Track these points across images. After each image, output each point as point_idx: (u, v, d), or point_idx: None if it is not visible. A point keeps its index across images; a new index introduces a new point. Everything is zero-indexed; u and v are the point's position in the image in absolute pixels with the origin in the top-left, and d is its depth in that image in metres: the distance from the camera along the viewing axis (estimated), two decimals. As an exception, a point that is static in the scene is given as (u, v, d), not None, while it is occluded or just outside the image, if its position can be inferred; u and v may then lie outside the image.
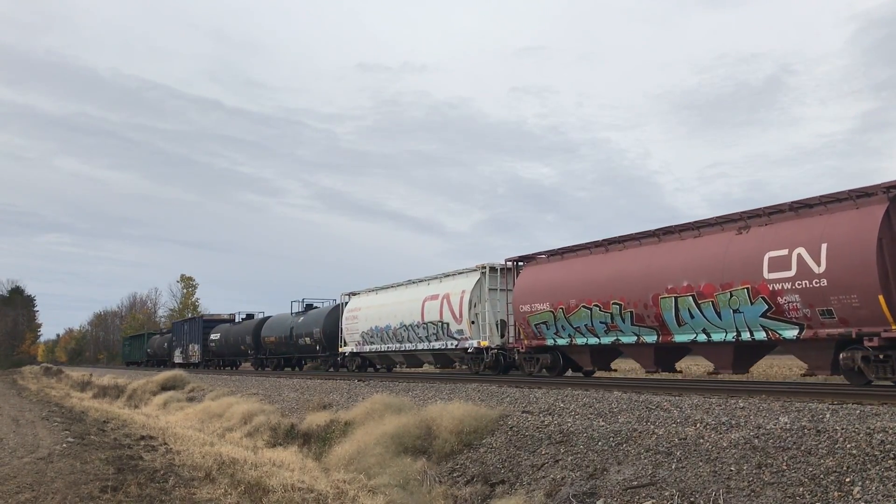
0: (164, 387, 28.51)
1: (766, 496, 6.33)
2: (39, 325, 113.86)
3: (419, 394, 14.84)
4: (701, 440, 7.80)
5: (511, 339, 19.88)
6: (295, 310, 35.27)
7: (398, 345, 24.76)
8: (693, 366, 25.13)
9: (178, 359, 50.67)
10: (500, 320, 20.73)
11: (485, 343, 20.56)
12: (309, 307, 34.21)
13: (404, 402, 13.32)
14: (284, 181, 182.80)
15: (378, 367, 28.64)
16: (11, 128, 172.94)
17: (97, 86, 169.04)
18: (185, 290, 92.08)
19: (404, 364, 25.99)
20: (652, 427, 8.74)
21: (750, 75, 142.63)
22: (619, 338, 15.87)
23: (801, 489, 6.21)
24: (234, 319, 44.19)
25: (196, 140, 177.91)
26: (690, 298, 13.96)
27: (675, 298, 14.29)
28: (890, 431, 6.60)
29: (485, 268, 21.18)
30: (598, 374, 19.81)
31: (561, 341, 17.59)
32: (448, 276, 23.12)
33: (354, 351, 27.78)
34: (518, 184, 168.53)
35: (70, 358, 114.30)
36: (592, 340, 16.61)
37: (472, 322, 21.00)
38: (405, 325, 24.05)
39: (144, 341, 64.87)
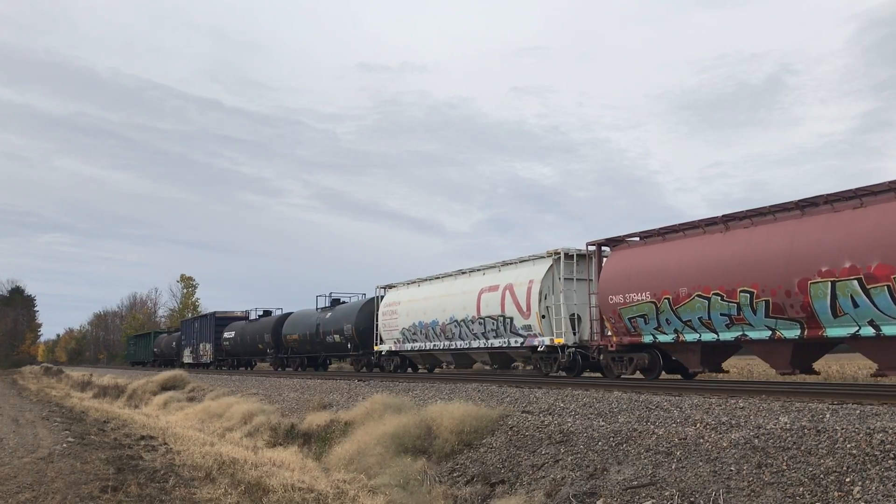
0: (165, 387, 28.51)
1: (766, 496, 6.33)
2: (39, 325, 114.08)
3: (419, 394, 14.84)
4: (701, 440, 7.80)
5: (592, 336, 17.40)
6: (320, 304, 32.83)
7: (446, 342, 22.21)
8: (841, 365, 22.88)
9: (187, 359, 48.86)
10: (573, 314, 18.35)
11: (559, 340, 18.07)
12: (336, 302, 32.04)
13: (404, 401, 13.33)
14: (284, 181, 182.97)
15: (420, 367, 25.82)
16: (11, 128, 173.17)
17: (97, 86, 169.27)
18: (185, 290, 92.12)
19: (452, 364, 23.50)
20: (652, 427, 8.75)
21: (750, 75, 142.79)
22: (746, 332, 13.40)
23: (801, 489, 6.21)
24: (249, 317, 42.31)
25: (196, 140, 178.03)
26: (855, 283, 11.59)
27: (833, 283, 11.88)
28: (890, 431, 6.60)
29: (558, 254, 18.70)
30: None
31: (664, 338, 15.01)
32: (509, 264, 20.57)
33: (392, 349, 25.26)
34: (518, 184, 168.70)
35: (70, 358, 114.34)
36: (707, 336, 14.11)
37: (543, 316, 18.49)
38: (456, 321, 21.53)
39: (151, 340, 62.90)
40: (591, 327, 17.67)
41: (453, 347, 22.03)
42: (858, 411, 7.87)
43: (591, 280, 17.60)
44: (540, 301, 18.62)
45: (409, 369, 26.26)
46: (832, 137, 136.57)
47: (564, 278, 18.45)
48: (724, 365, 15.64)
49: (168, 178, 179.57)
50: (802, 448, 6.84)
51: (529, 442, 9.70)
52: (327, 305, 32.27)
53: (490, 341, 20.39)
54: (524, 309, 19.02)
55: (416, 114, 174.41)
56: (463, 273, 22.68)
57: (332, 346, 30.10)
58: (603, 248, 17.52)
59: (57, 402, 23.98)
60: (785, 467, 6.63)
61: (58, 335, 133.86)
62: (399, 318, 24.64)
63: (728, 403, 9.37)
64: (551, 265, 18.76)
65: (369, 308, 27.61)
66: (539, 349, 18.72)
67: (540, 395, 12.40)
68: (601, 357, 16.82)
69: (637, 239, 16.50)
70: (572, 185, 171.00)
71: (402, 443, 10.79)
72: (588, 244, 17.87)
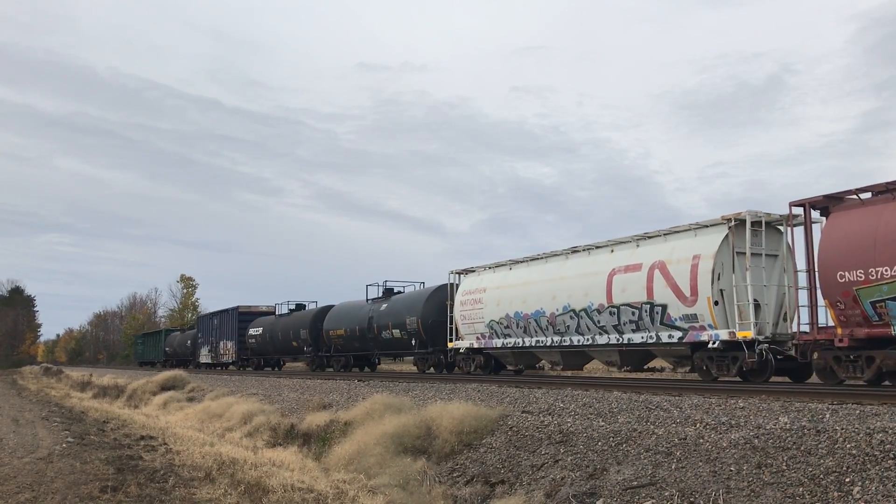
0: (164, 387, 28.50)
1: (766, 496, 6.33)
2: (39, 325, 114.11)
3: (419, 394, 14.84)
4: (701, 440, 7.80)
5: (789, 328, 14.05)
6: (372, 295, 28.21)
7: (556, 338, 18.06)
8: None
9: (204, 358, 45.27)
10: (755, 300, 14.37)
11: (744, 334, 13.98)
12: (389, 292, 27.59)
13: (404, 402, 13.33)
14: (284, 181, 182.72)
15: (510, 367, 21.41)
16: (11, 127, 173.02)
17: (96, 85, 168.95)
18: (185, 290, 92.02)
19: (559, 365, 19.35)
20: (652, 427, 8.75)
21: (751, 75, 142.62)
22: None
23: (800, 489, 6.21)
24: (275, 311, 38.78)
25: (196, 140, 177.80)
26: None
27: None
28: (890, 431, 6.60)
29: (738, 219, 14.57)
30: (599, 374, 19.36)
31: None
32: (653, 237, 16.35)
33: (475, 346, 21.10)
34: (518, 184, 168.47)
35: (70, 358, 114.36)
36: None
37: (716, 303, 14.51)
38: (572, 311, 17.43)
39: (162, 339, 58.90)
40: (786, 317, 14.48)
41: (566, 344, 17.80)
42: (858, 411, 7.87)
43: (784, 254, 14.63)
44: (713, 282, 14.45)
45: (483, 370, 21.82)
46: (833, 137, 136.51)
47: (752, 253, 14.43)
48: None
49: (168, 177, 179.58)
50: (802, 448, 6.84)
51: (529, 442, 9.70)
52: (380, 296, 27.71)
53: (626, 336, 16.20)
54: (686, 293, 14.92)
55: (416, 114, 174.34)
56: (577, 252, 18.35)
57: (390, 343, 25.81)
58: (813, 208, 13.30)
59: (57, 402, 23.97)
60: (785, 467, 6.63)
61: (58, 335, 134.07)
62: (485, 308, 20.54)
63: (728, 403, 9.37)
64: (726, 235, 14.66)
65: (439, 297, 23.36)
66: (711, 345, 14.57)
67: (540, 395, 12.40)
68: (815, 357, 12.75)
69: (870, 195, 12.55)
70: (572, 184, 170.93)
71: (401, 443, 10.79)
72: (792, 204, 13.75)
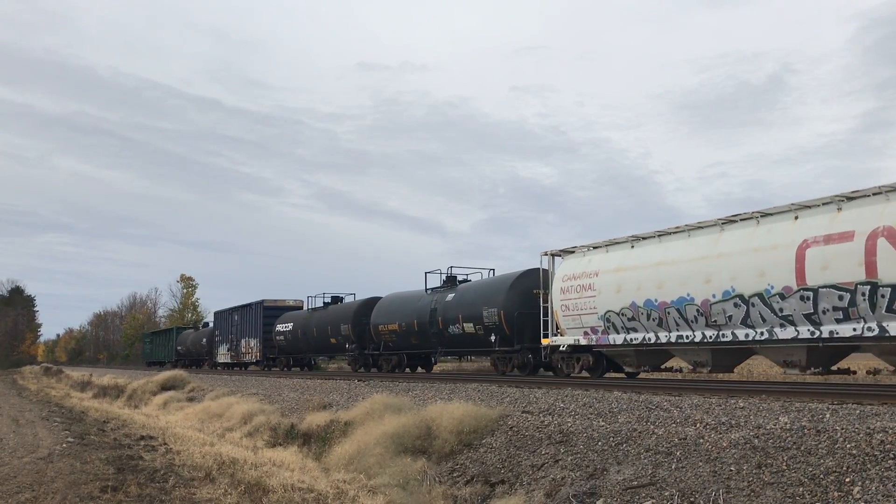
0: (164, 387, 28.50)
1: (766, 496, 6.33)
2: (39, 325, 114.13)
3: (419, 394, 14.84)
4: (701, 440, 7.81)
5: None
6: (431, 284, 24.52)
7: (710, 332, 14.19)
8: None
9: (223, 357, 42.07)
10: None
11: None
12: (452, 280, 24.15)
13: (404, 402, 13.33)
14: (284, 181, 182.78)
15: (632, 368, 17.44)
16: (10, 127, 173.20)
17: (96, 85, 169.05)
18: (185, 290, 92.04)
19: (706, 366, 14.79)
20: (652, 427, 8.75)
21: (751, 75, 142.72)
22: None
23: (800, 489, 6.21)
24: (303, 306, 35.76)
25: (196, 139, 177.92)
26: None
27: None
28: (890, 431, 6.60)
29: None
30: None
31: None
32: (864, 195, 12.30)
33: (582, 343, 17.25)
34: (518, 184, 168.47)
35: (70, 358, 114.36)
36: None
37: None
38: (740, 297, 13.61)
39: (173, 338, 55.18)
40: None
41: (726, 340, 13.94)
42: (858, 411, 7.87)
43: None
44: None
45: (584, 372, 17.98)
46: (833, 137, 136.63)
47: None
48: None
49: (167, 177, 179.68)
50: (802, 448, 6.84)
51: (529, 442, 9.70)
52: (442, 285, 24.15)
53: (826, 328, 12.42)
54: None
55: (416, 113, 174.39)
56: (737, 221, 14.28)
57: (459, 339, 22.01)
58: None
59: (57, 402, 23.98)
60: (785, 467, 6.63)
61: (58, 335, 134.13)
62: (599, 295, 16.71)
63: (728, 403, 9.37)
64: None
65: (526, 285, 19.89)
66: None
67: (540, 395, 12.40)
68: None
69: None
70: (573, 184, 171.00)
71: (401, 443, 10.79)
72: None
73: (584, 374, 17.77)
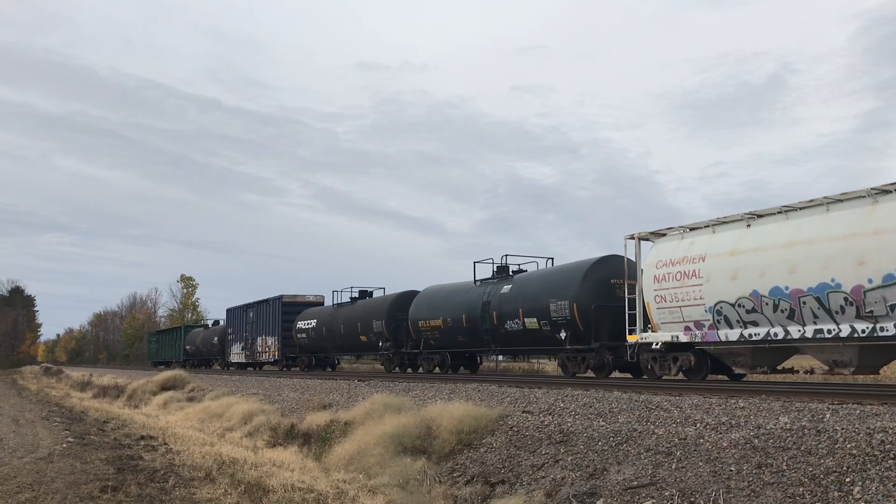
0: (164, 387, 28.48)
1: (766, 496, 6.33)
2: (39, 325, 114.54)
3: (419, 394, 14.84)
4: (701, 440, 7.81)
5: None
6: (481, 275, 21.97)
7: (863, 325, 11.89)
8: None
9: (236, 357, 40.05)
10: None
11: None
12: (503, 271, 21.42)
13: (404, 402, 13.33)
14: (284, 181, 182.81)
15: (744, 369, 14.82)
16: (10, 127, 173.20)
17: (96, 85, 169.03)
18: (185, 290, 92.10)
19: (849, 366, 12.54)
20: (652, 427, 8.75)
21: (751, 74, 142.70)
22: None
23: (801, 489, 6.21)
24: (323, 302, 34.08)
25: (195, 139, 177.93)
26: None
27: None
28: (890, 431, 6.60)
29: None
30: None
31: None
32: None
33: (682, 340, 14.84)
34: (519, 183, 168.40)
35: (70, 358, 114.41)
36: None
37: None
38: None
39: (181, 337, 53.07)
40: None
41: (885, 334, 11.63)
42: (858, 411, 7.87)
43: None
44: None
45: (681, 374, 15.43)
46: (833, 137, 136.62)
47: None
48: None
49: (167, 177, 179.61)
50: (802, 448, 6.84)
51: (529, 442, 9.71)
52: (494, 276, 21.56)
53: None
54: None
55: (417, 113, 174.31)
56: (888, 191, 12.10)
57: (518, 336, 19.63)
58: None
59: (57, 402, 23.99)
60: (785, 467, 6.63)
61: (58, 335, 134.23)
62: (707, 283, 14.28)
63: (728, 403, 9.37)
64: None
65: (605, 272, 17.72)
66: None
67: (540, 395, 12.40)
68: None
69: None
70: (573, 184, 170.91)
71: (401, 443, 10.79)
72: None
73: (682, 376, 15.33)
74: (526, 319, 19.06)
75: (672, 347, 15.18)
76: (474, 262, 22.14)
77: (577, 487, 7.85)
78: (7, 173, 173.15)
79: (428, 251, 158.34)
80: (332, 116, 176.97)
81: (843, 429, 6.99)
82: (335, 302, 30.98)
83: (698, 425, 8.35)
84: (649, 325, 15.76)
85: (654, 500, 7.05)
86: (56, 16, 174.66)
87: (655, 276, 15.44)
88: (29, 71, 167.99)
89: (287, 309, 34.46)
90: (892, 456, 6.18)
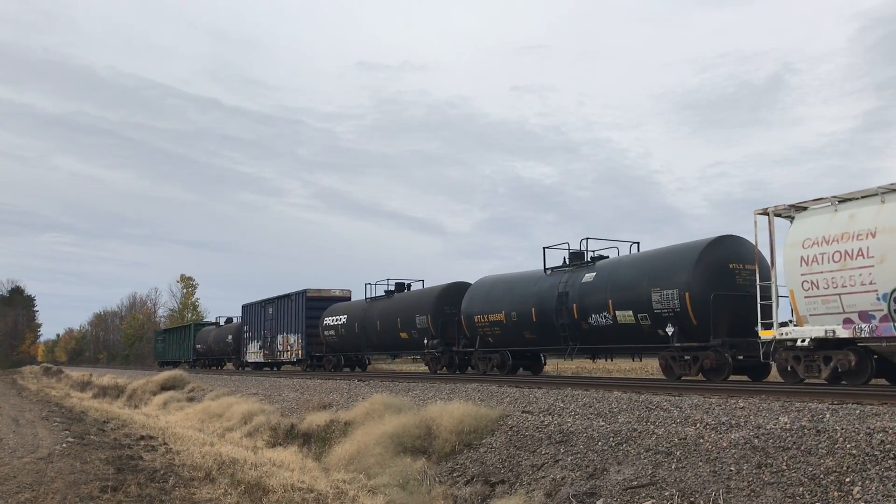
0: (164, 387, 28.51)
1: (766, 496, 6.33)
2: (39, 325, 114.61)
3: (419, 394, 14.84)
4: (701, 440, 7.81)
5: None
6: (551, 263, 19.19)
7: None
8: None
9: (253, 356, 37.10)
10: None
11: None
12: (579, 257, 18.56)
13: (404, 402, 13.34)
14: (284, 181, 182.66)
15: None
16: (10, 127, 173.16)
17: (96, 85, 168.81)
18: (185, 290, 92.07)
19: None
20: (652, 427, 8.75)
21: (752, 74, 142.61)
22: None
23: (800, 489, 6.21)
24: (350, 297, 31.71)
25: (195, 139, 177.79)
26: None
27: None
28: (890, 431, 6.60)
29: None
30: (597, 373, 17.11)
31: None
32: None
33: (840, 335, 11.98)
34: (519, 183, 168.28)
35: (70, 358, 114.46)
36: None
37: None
38: None
39: (191, 335, 49.66)
40: None
41: None
42: (858, 411, 7.87)
43: None
44: None
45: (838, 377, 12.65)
46: (833, 137, 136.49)
47: None
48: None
49: (168, 177, 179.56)
50: (802, 448, 6.84)
51: (529, 442, 9.71)
52: (569, 263, 18.69)
53: None
54: None
55: (417, 113, 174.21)
56: None
57: (607, 332, 16.78)
58: None
59: (57, 402, 23.99)
60: (785, 467, 6.63)
61: (58, 335, 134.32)
62: (881, 264, 11.38)
63: (728, 403, 9.37)
64: None
65: (721, 256, 15.00)
66: None
67: (540, 395, 12.40)
68: None
69: None
70: (573, 184, 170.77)
71: (401, 443, 10.80)
72: None
73: (844, 382, 12.30)
74: (617, 312, 16.20)
75: (823, 345, 12.39)
76: (544, 248, 19.29)
77: (576, 487, 7.85)
78: (7, 173, 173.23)
79: (428, 251, 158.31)
80: (332, 116, 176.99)
81: (842, 429, 6.99)
82: (366, 296, 27.65)
83: (698, 425, 8.35)
84: (796, 319, 12.88)
85: (653, 500, 7.05)
86: (56, 15, 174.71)
87: (803, 257, 12.59)
88: (29, 71, 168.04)
89: (312, 304, 31.52)
90: (891, 456, 6.18)
